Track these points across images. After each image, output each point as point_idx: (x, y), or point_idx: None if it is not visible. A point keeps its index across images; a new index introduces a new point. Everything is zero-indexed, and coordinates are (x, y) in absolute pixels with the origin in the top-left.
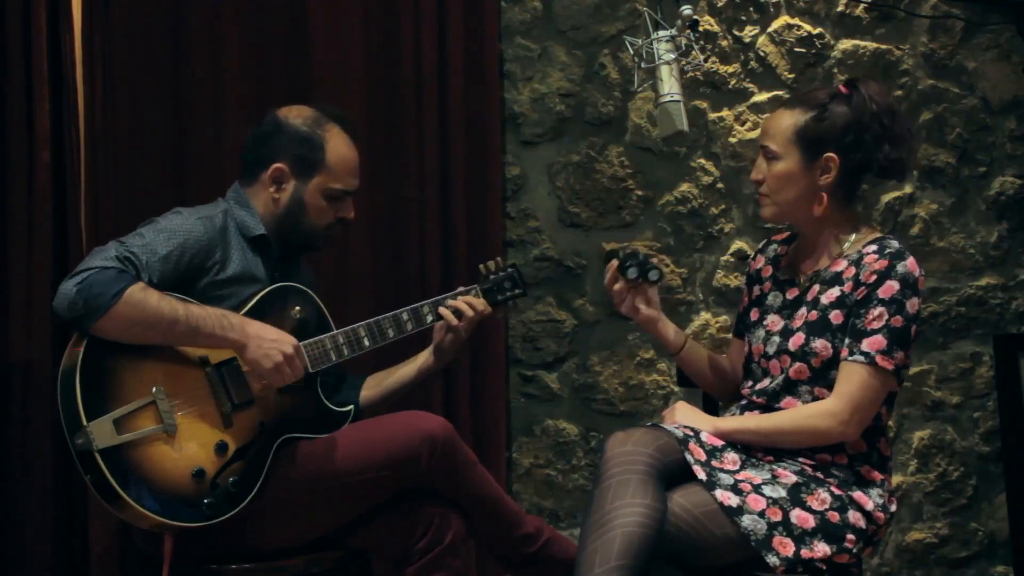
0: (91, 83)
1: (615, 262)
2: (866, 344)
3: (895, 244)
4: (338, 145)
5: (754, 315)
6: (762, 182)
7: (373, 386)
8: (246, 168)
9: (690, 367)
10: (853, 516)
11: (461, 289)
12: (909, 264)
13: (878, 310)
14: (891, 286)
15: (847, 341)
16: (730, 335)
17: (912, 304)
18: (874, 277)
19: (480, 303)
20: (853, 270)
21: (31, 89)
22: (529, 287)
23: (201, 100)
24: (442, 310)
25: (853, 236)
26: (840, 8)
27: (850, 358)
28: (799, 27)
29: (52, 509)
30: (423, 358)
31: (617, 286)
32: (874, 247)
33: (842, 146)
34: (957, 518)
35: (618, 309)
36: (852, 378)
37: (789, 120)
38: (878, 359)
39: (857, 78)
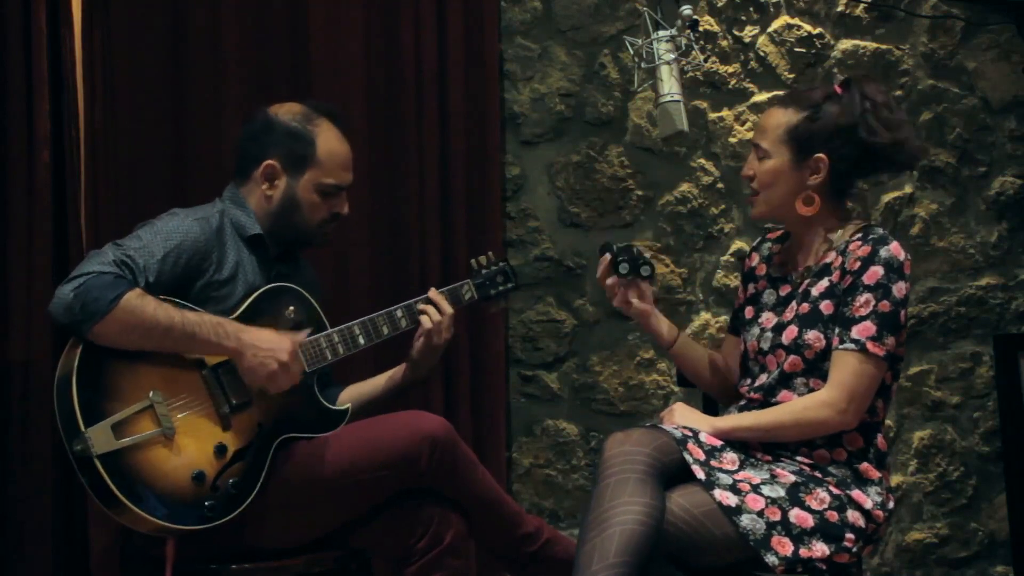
0: (91, 83)
1: (608, 256)
2: (855, 331)
3: (879, 231)
4: (329, 139)
5: (749, 313)
6: (753, 178)
7: (348, 398)
8: (239, 167)
9: (683, 362)
10: (852, 515)
11: (454, 285)
12: (893, 248)
13: (864, 296)
14: (875, 271)
15: (837, 330)
16: None
17: (899, 288)
18: (858, 264)
19: (443, 302)
20: (840, 259)
21: (31, 89)
22: (529, 287)
23: (201, 100)
24: (423, 307)
25: (841, 231)
26: (840, 8)
27: (841, 346)
28: (799, 27)
29: (52, 510)
30: (395, 370)
31: (610, 280)
32: (859, 235)
33: (832, 148)
34: (957, 518)
35: (611, 302)
36: (844, 366)
37: (782, 119)
38: (869, 345)
39: (852, 77)
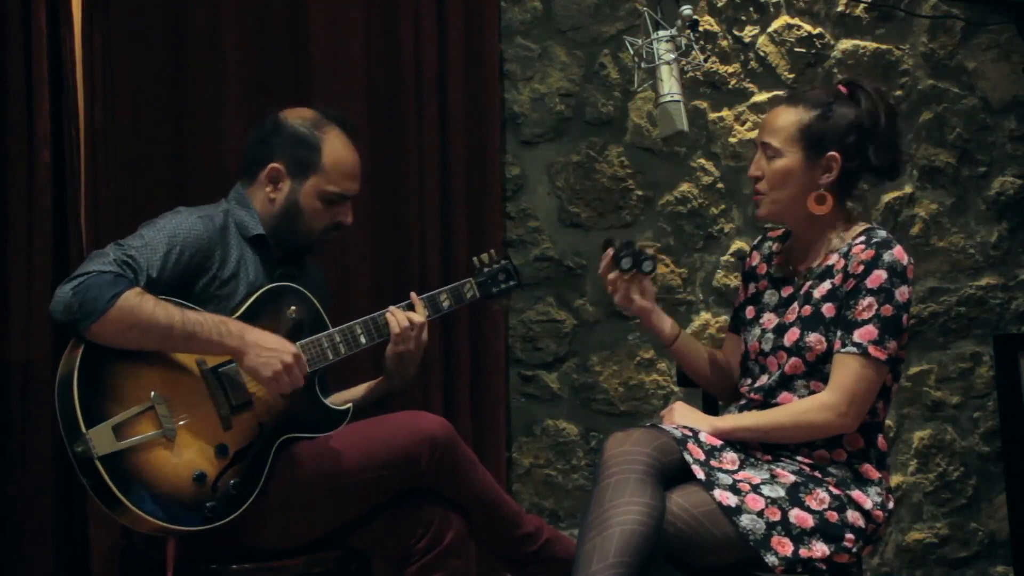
0: (91, 83)
1: (611, 251)
2: (857, 335)
3: (882, 234)
4: (335, 147)
5: (750, 312)
6: (760, 178)
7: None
8: (246, 168)
9: (684, 360)
10: (852, 515)
11: (455, 284)
12: (896, 253)
13: (867, 300)
14: (879, 275)
15: (839, 333)
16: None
17: (901, 293)
18: (861, 268)
19: (415, 317)
20: (843, 262)
21: (31, 89)
22: (529, 287)
23: (201, 100)
24: (389, 317)
25: (844, 232)
26: (840, 8)
27: (842, 350)
28: (799, 27)
29: (52, 510)
30: (376, 381)
31: (611, 275)
32: (862, 238)
33: (844, 146)
34: (957, 518)
35: (612, 298)
36: (846, 370)
37: (792, 117)
38: (870, 349)
39: (855, 79)
